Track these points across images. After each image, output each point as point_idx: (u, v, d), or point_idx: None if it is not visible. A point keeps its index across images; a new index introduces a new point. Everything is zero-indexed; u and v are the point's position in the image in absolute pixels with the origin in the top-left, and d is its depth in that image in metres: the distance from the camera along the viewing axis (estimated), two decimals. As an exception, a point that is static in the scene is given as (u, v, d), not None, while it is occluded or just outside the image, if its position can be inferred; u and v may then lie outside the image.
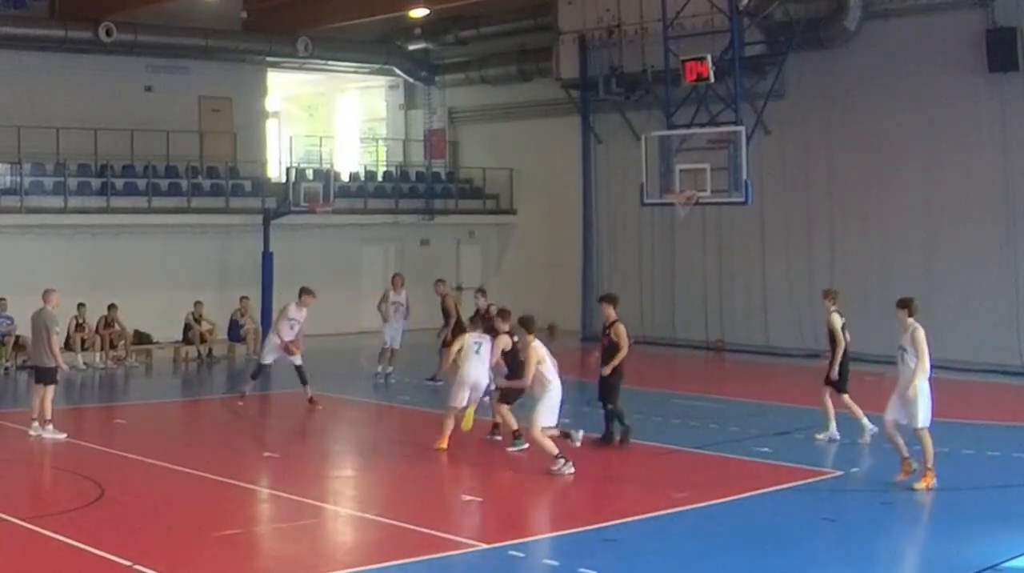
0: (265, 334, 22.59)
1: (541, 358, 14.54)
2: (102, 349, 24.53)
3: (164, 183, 28.26)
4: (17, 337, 23.23)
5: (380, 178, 33.66)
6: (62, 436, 16.45)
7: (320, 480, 14.62)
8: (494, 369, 15.78)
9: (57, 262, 25.34)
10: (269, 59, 31.71)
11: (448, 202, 33.23)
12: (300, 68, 33.60)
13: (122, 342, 24.87)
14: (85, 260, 26.51)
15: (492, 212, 33.98)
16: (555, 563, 10.80)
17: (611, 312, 16.04)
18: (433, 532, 11.68)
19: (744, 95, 24.22)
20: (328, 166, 31.37)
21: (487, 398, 16.54)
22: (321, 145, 33.46)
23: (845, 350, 16.08)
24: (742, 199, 22.92)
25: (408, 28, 32.79)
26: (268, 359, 20.04)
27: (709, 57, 23.26)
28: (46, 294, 16.93)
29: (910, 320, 13.57)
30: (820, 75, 26.20)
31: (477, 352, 15.76)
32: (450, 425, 15.78)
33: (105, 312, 24.68)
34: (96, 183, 27.20)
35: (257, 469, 14.99)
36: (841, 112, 26.13)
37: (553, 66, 30.67)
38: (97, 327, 24.59)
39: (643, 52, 26.97)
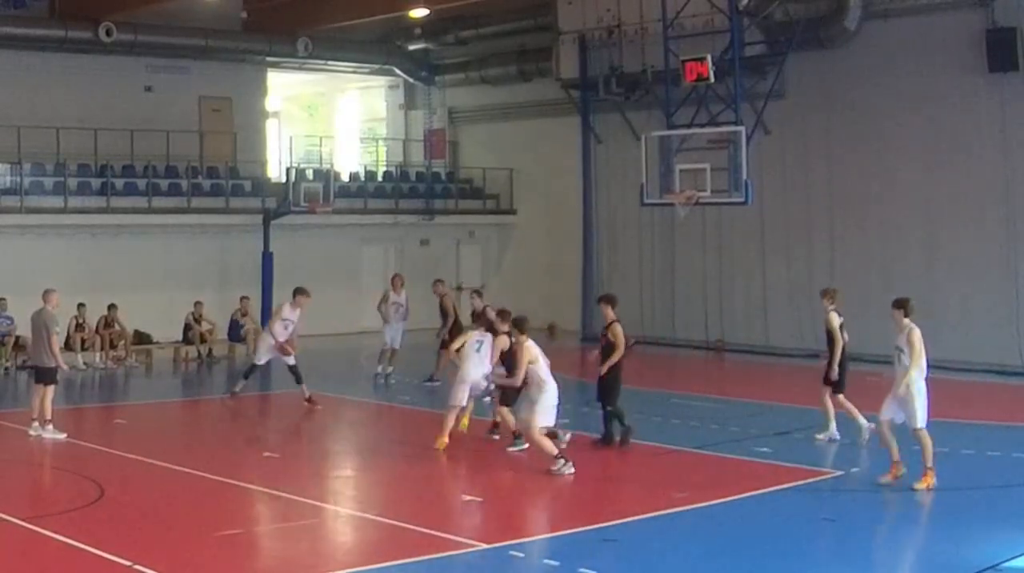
0: (263, 334, 22.62)
1: (533, 358, 14.51)
2: (102, 349, 24.53)
3: (164, 183, 28.26)
4: (17, 337, 23.23)
5: (380, 178, 33.66)
6: (62, 436, 16.45)
7: (320, 480, 14.63)
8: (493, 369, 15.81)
9: (57, 262, 25.35)
10: (269, 59, 31.72)
11: (448, 202, 33.23)
12: (300, 68, 33.60)
13: (122, 342, 24.87)
14: (85, 260, 26.52)
15: (492, 212, 33.98)
16: (555, 563, 10.79)
17: (609, 312, 16.05)
18: (433, 532, 11.68)
19: (744, 95, 24.22)
20: (328, 166, 31.39)
21: (487, 399, 16.56)
22: (321, 145, 33.47)
23: (843, 349, 16.08)
24: (742, 199, 22.92)
25: (408, 28, 32.78)
26: (262, 359, 20.06)
27: (709, 57, 23.27)
28: (46, 294, 16.94)
29: (906, 320, 13.60)
30: (820, 75, 26.20)
31: (478, 351, 15.82)
32: (450, 423, 15.80)
33: (105, 312, 24.68)
34: (96, 183, 27.20)
35: (257, 469, 14.97)
36: (841, 112, 26.13)
37: (553, 66, 30.66)
38: (97, 327, 24.59)
39: (643, 52, 26.96)
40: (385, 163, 35.44)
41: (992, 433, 17.45)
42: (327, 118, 40.26)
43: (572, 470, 14.13)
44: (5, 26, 26.65)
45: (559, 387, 14.76)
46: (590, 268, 30.77)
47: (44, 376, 16.68)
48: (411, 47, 34.05)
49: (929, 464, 13.41)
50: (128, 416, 19.74)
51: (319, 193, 28.10)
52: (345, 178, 32.54)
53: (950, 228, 24.74)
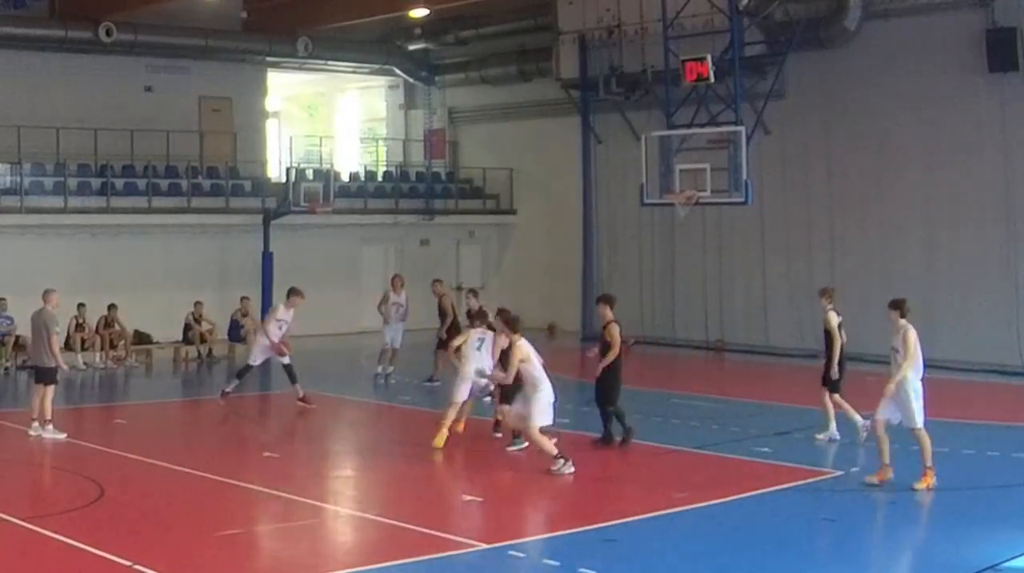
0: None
1: (525, 356, 14.47)
2: (102, 349, 24.53)
3: (164, 183, 28.26)
4: (17, 337, 23.23)
5: (380, 178, 33.66)
6: (62, 436, 16.45)
7: (320, 480, 14.63)
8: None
9: (57, 262, 25.35)
10: (269, 59, 31.72)
11: (448, 202, 33.23)
12: (300, 68, 33.61)
13: (122, 342, 24.87)
14: (85, 260, 26.52)
15: (492, 212, 33.98)
16: (555, 563, 10.79)
17: (607, 313, 16.06)
18: (433, 532, 11.68)
19: (744, 95, 24.22)
20: (328, 166, 31.40)
21: (488, 398, 16.56)
22: (321, 145, 33.48)
23: (842, 349, 16.07)
24: (742, 199, 22.93)
25: (408, 28, 32.79)
26: (257, 360, 20.08)
27: (709, 57, 23.27)
28: (46, 294, 16.93)
29: (902, 321, 13.62)
30: (820, 75, 26.20)
31: (479, 349, 15.89)
32: (450, 419, 15.86)
33: (105, 312, 24.68)
34: (96, 183, 27.21)
35: (257, 469, 14.97)
36: (841, 112, 26.13)
37: (553, 66, 30.66)
38: (97, 327, 24.59)
39: (643, 52, 26.96)
40: (385, 163, 35.44)
41: (992, 433, 17.45)
42: (327, 118, 40.27)
43: (572, 469, 14.13)
44: (5, 26, 26.65)
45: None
46: (590, 268, 30.77)
47: (44, 376, 16.68)
48: (411, 47, 34.06)
49: (928, 464, 13.41)
50: (128, 416, 19.74)
51: (319, 193, 28.10)
52: (345, 178, 32.54)
53: (950, 228, 24.74)
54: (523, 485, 14.30)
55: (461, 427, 16.33)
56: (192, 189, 28.50)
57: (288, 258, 27.99)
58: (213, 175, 29.33)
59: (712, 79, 23.26)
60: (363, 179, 33.24)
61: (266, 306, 26.79)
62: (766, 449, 15.90)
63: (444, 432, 15.74)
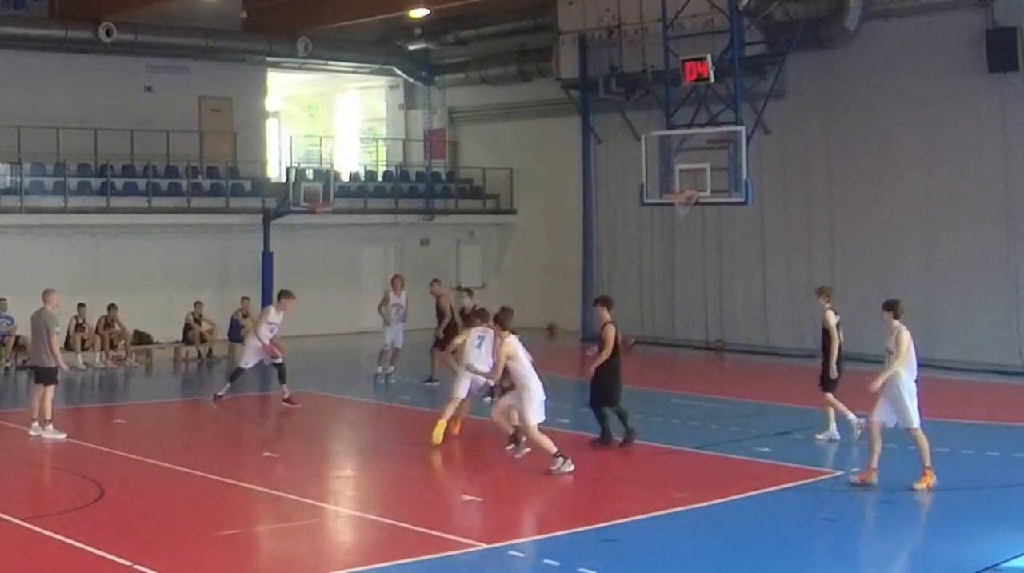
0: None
1: (512, 353, 14.42)
2: (102, 349, 24.53)
3: (164, 183, 28.26)
4: (17, 337, 23.24)
5: (380, 178, 33.66)
6: (62, 436, 16.45)
7: (320, 480, 14.62)
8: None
9: (57, 262, 25.35)
10: (269, 59, 31.72)
11: (448, 202, 33.23)
12: (300, 68, 33.61)
13: (122, 342, 24.87)
14: (85, 260, 26.53)
15: (492, 212, 33.98)
16: (555, 563, 10.78)
17: (605, 314, 16.06)
18: (433, 532, 11.68)
19: (744, 95, 24.21)
20: (328, 166, 31.40)
21: (488, 398, 16.56)
22: (321, 145, 33.49)
23: (840, 348, 16.07)
24: (742, 199, 22.92)
25: (408, 28, 32.79)
26: (248, 363, 20.07)
27: (709, 57, 23.26)
28: (46, 294, 16.93)
29: (896, 322, 13.62)
30: (820, 75, 26.20)
31: (478, 347, 15.91)
32: (449, 413, 15.89)
33: (105, 312, 24.68)
34: (96, 183, 27.21)
35: (257, 469, 14.97)
36: (841, 112, 26.13)
37: (553, 66, 30.66)
38: (97, 327, 24.60)
39: (643, 52, 26.97)
40: (385, 163, 35.45)
41: (992, 433, 17.45)
42: (327, 118, 40.27)
43: (572, 468, 14.13)
44: (5, 26, 26.66)
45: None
46: (590, 268, 30.76)
47: (44, 376, 16.68)
48: (411, 47, 34.05)
49: (927, 464, 13.41)
50: (128, 416, 19.75)
51: (319, 193, 28.10)
52: (345, 178, 32.55)
53: (950, 228, 24.73)
54: (523, 485, 14.29)
55: (457, 429, 16.32)
56: (192, 189, 28.51)
57: (288, 258, 28.00)
58: (213, 175, 29.33)
59: (712, 79, 23.25)
60: (363, 179, 33.24)
61: (266, 306, 26.82)
62: (766, 449, 15.90)
63: (442, 423, 15.76)
